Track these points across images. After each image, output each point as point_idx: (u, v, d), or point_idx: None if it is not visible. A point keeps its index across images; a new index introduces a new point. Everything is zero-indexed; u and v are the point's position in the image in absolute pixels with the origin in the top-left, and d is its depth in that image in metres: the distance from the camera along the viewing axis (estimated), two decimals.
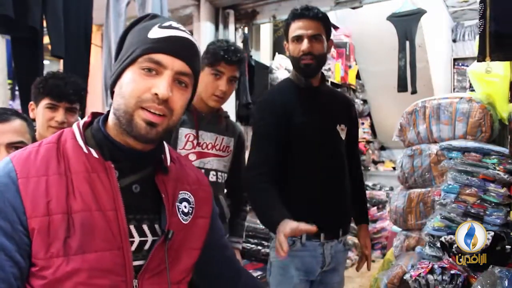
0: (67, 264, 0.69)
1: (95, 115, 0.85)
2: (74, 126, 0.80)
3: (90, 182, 0.74)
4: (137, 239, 0.78)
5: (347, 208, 1.68)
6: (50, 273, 0.69)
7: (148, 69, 0.76)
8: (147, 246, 0.79)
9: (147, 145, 0.80)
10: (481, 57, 1.47)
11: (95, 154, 0.76)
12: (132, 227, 0.78)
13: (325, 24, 1.58)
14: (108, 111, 0.82)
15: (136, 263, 0.77)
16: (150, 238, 0.80)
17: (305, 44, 1.53)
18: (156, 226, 0.81)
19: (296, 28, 1.55)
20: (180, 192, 0.86)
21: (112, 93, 0.80)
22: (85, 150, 0.76)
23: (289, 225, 1.24)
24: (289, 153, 1.58)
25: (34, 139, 1.31)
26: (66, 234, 0.70)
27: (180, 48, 0.78)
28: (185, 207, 0.86)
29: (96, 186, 0.74)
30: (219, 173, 1.72)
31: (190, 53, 0.80)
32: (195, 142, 1.65)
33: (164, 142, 0.89)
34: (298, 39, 1.55)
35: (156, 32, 0.77)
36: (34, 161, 0.73)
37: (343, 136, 1.66)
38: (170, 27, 0.79)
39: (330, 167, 1.61)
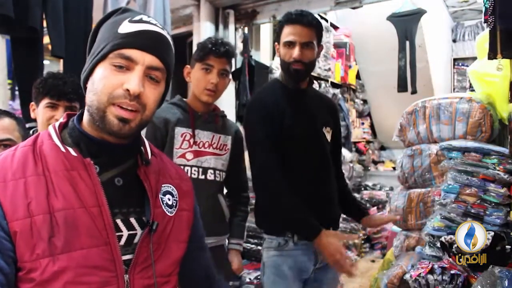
0: (54, 264, 0.68)
1: (70, 115, 0.84)
2: (50, 128, 0.80)
3: (70, 180, 0.73)
4: (125, 232, 0.78)
5: (335, 206, 1.74)
6: (38, 275, 0.68)
7: (119, 65, 0.75)
8: (136, 240, 0.79)
9: (123, 140, 0.79)
10: (492, 55, 1.44)
11: (73, 152, 0.76)
12: (119, 221, 0.77)
13: (317, 31, 1.61)
14: (83, 110, 0.81)
15: (126, 257, 0.77)
16: (139, 231, 0.79)
17: (296, 51, 1.55)
18: (144, 218, 0.81)
19: (289, 33, 1.57)
20: (163, 185, 0.86)
21: (86, 89, 0.79)
22: (62, 149, 0.76)
23: (337, 239, 1.44)
24: (280, 153, 1.61)
25: (25, 138, 1.32)
26: (50, 234, 0.69)
27: (151, 42, 0.77)
28: (169, 199, 0.85)
29: (77, 183, 0.73)
30: (217, 172, 1.72)
31: (162, 47, 0.79)
32: (191, 141, 1.66)
33: (144, 137, 0.89)
34: (290, 44, 1.57)
35: (126, 27, 0.76)
36: (10, 164, 0.72)
37: (328, 138, 1.72)
38: (140, 21, 0.78)
39: (318, 168, 1.66)
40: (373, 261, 4.55)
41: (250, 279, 2.75)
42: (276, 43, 1.68)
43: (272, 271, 1.62)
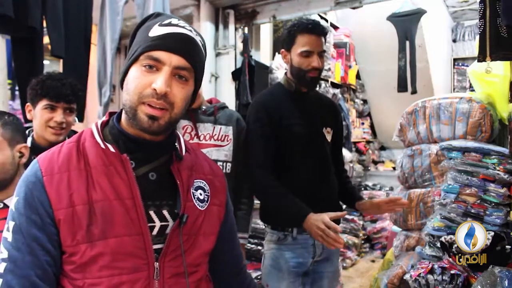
0: (91, 249, 0.77)
1: (111, 114, 0.91)
2: (93, 126, 0.87)
3: (107, 174, 0.81)
4: (158, 223, 0.84)
5: (334, 202, 1.79)
6: (78, 258, 0.77)
7: (149, 66, 0.81)
8: (168, 230, 0.84)
9: (156, 136, 0.85)
10: (481, 57, 1.48)
11: (111, 149, 0.83)
12: (152, 212, 0.84)
13: (325, 39, 1.71)
14: (122, 109, 0.88)
15: (158, 246, 0.83)
16: (171, 223, 0.85)
17: (316, 61, 1.63)
18: (176, 211, 0.86)
19: (306, 43, 1.63)
20: (195, 180, 0.91)
21: (123, 89, 0.86)
22: (102, 146, 0.83)
23: (325, 215, 1.43)
24: (279, 151, 1.68)
25: (12, 139, 1.25)
26: (89, 222, 0.77)
27: (177, 44, 0.82)
28: (201, 194, 0.91)
29: (113, 177, 0.81)
30: (219, 163, 1.73)
31: (188, 47, 0.83)
32: (193, 133, 1.69)
33: (180, 134, 0.95)
34: (308, 54, 1.64)
35: (156, 30, 0.82)
36: (57, 159, 0.81)
37: (329, 138, 1.77)
38: (169, 24, 0.83)
39: (317, 167, 1.71)
40: (373, 261, 4.55)
41: None
42: (283, 50, 1.72)
43: (269, 263, 1.71)
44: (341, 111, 1.97)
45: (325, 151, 1.75)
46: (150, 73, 0.80)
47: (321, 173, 1.72)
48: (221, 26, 3.48)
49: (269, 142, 1.65)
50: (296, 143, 1.68)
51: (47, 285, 0.77)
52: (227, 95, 3.48)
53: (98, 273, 0.77)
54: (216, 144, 1.74)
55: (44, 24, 2.07)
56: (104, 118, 0.90)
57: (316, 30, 1.64)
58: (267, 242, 1.75)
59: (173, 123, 0.84)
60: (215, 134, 1.74)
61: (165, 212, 0.85)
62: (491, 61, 1.46)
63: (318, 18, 4.25)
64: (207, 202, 0.92)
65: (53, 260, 0.78)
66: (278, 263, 1.68)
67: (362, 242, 4.70)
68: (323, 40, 1.67)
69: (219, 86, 3.50)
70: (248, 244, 3.06)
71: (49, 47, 2.11)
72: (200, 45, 0.87)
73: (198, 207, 0.89)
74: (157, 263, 0.81)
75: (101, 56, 2.54)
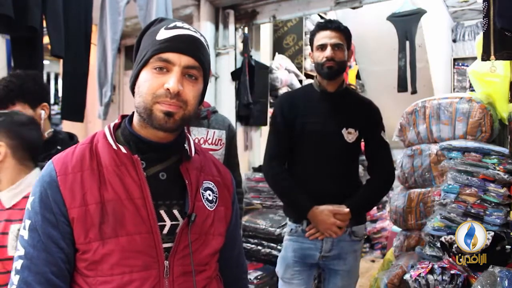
0: (103, 247, 0.80)
1: (123, 116, 0.95)
2: (105, 128, 0.91)
3: (119, 175, 0.83)
4: (168, 222, 0.86)
5: (343, 202, 1.78)
6: (90, 256, 0.80)
7: (159, 68, 0.84)
8: (178, 229, 0.86)
9: (169, 135, 0.88)
10: (485, 56, 1.47)
11: (123, 150, 0.86)
12: (162, 212, 0.86)
13: (346, 36, 1.79)
14: (133, 112, 0.91)
15: (168, 245, 0.85)
16: (181, 222, 0.87)
17: (328, 51, 1.74)
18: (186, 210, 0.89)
19: (321, 37, 1.76)
20: (204, 181, 0.94)
21: (134, 93, 0.89)
22: (114, 147, 0.86)
23: (328, 210, 1.67)
24: (293, 148, 1.79)
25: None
26: (101, 221, 0.80)
27: (185, 45, 0.85)
28: (209, 195, 0.94)
29: (125, 177, 0.83)
30: None
31: (195, 47, 0.86)
32: None
33: (189, 136, 0.98)
34: (322, 47, 1.75)
35: (163, 34, 0.85)
36: (70, 160, 0.85)
37: (349, 138, 1.78)
38: (174, 27, 0.86)
39: (326, 164, 1.76)
40: (373, 261, 4.55)
41: (250, 279, 2.74)
42: (310, 52, 1.85)
43: (281, 253, 1.87)
44: (375, 110, 1.90)
45: (339, 151, 1.78)
46: (161, 75, 0.83)
47: (331, 171, 1.76)
48: (221, 26, 3.48)
49: (282, 136, 1.78)
50: (308, 140, 1.76)
51: (62, 282, 0.80)
52: (227, 95, 3.48)
53: (110, 270, 0.80)
54: (210, 148, 1.75)
55: (44, 24, 2.07)
56: (117, 121, 0.94)
57: (328, 25, 1.75)
58: (285, 234, 1.88)
59: (186, 120, 0.86)
60: (209, 138, 1.75)
61: (175, 212, 0.87)
62: (495, 60, 1.45)
63: (318, 18, 4.26)
64: (215, 203, 0.94)
65: (67, 258, 0.81)
66: (286, 253, 1.81)
67: (362, 242, 4.69)
68: (342, 34, 1.75)
69: (219, 86, 3.50)
70: (248, 244, 3.06)
71: (49, 47, 2.11)
72: (205, 45, 0.90)
73: (208, 207, 0.91)
74: (167, 262, 0.83)
75: (101, 57, 2.54)
